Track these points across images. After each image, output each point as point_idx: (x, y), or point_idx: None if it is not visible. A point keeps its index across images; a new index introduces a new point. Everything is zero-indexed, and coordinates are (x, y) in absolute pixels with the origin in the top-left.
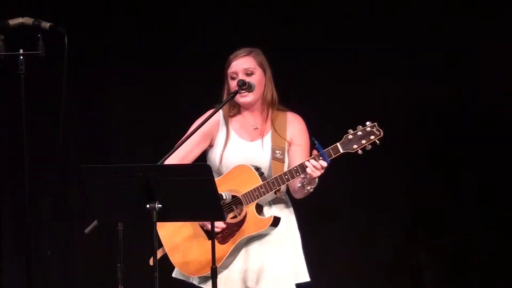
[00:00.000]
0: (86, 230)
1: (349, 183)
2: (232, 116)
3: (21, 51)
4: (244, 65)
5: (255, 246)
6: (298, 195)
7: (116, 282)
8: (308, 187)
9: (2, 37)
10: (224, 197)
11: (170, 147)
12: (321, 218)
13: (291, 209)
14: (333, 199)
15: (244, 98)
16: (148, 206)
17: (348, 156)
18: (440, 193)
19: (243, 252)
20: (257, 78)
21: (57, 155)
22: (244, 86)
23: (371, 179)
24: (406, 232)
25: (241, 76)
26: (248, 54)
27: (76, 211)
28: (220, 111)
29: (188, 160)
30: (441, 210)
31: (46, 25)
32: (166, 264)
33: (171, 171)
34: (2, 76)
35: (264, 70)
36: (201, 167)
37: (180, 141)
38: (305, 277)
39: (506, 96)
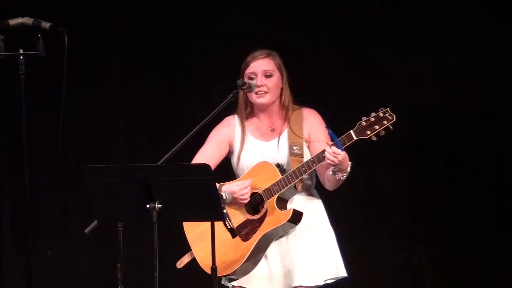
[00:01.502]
0: (86, 230)
1: (348, 182)
2: (248, 119)
3: (21, 51)
4: (263, 67)
5: (283, 242)
6: (330, 185)
7: (116, 282)
8: (341, 175)
9: (2, 37)
10: (224, 197)
11: (170, 147)
12: None
13: (320, 203)
14: (333, 198)
15: (261, 99)
16: (148, 206)
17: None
18: (440, 192)
19: (275, 248)
20: (275, 81)
21: (57, 155)
22: (244, 86)
23: (371, 178)
24: (406, 232)
25: (260, 77)
26: (267, 56)
27: (76, 211)
28: (236, 116)
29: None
30: (442, 209)
31: (46, 25)
32: (166, 264)
33: (171, 171)
34: (2, 76)
35: (281, 73)
36: (201, 167)
37: (179, 143)
38: (341, 272)
39: (507, 95)
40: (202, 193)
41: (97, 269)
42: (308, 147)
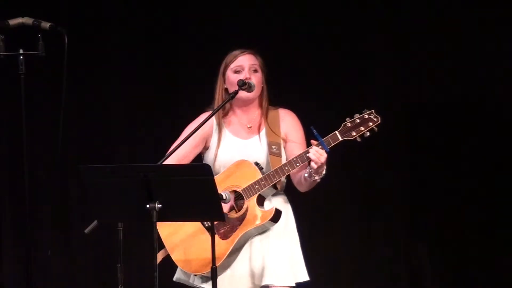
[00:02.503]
0: (86, 230)
1: (348, 181)
2: (225, 116)
3: (21, 51)
4: (251, 61)
5: (256, 242)
6: (303, 187)
7: (116, 282)
8: (316, 177)
9: (2, 37)
10: (224, 197)
11: (170, 147)
12: (321, 216)
13: (290, 206)
14: (333, 197)
15: (245, 93)
16: (148, 206)
17: (347, 153)
18: (440, 192)
19: (246, 248)
20: (259, 76)
21: (57, 155)
22: (244, 86)
23: (371, 177)
24: (406, 230)
25: (247, 70)
26: (253, 52)
27: (76, 211)
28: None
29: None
30: (441, 208)
31: (46, 25)
32: (166, 264)
33: (171, 171)
34: (2, 76)
35: (263, 72)
36: (201, 167)
37: (179, 143)
38: (304, 276)
39: (507, 95)
40: (202, 193)
41: (97, 269)
42: (284, 147)
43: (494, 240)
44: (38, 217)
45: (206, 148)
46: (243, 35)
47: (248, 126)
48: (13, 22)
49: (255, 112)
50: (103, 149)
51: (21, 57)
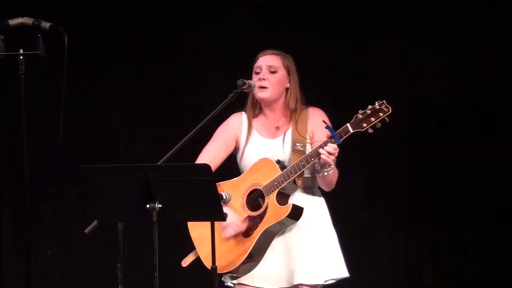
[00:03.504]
0: (86, 230)
1: (348, 180)
2: (255, 117)
3: (21, 51)
4: (269, 62)
5: (285, 239)
6: (322, 185)
7: (116, 282)
8: (324, 171)
9: (2, 37)
10: (224, 197)
11: (170, 147)
12: None
13: (322, 202)
14: (333, 197)
15: (261, 93)
16: (148, 206)
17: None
18: (440, 191)
19: (275, 245)
20: (278, 77)
21: (57, 155)
22: (244, 85)
23: (371, 177)
24: (406, 231)
25: (264, 71)
26: (276, 54)
27: (76, 211)
28: (243, 113)
29: (214, 164)
30: (442, 206)
31: (46, 25)
32: (167, 264)
33: (171, 171)
34: (2, 76)
35: (288, 73)
36: (201, 167)
37: (179, 143)
38: (332, 274)
39: (507, 95)
40: (202, 193)
41: (97, 269)
42: (311, 145)
43: (494, 240)
44: (38, 217)
45: (237, 149)
46: (244, 35)
47: (275, 126)
48: (13, 22)
49: (282, 113)
50: (103, 149)
51: (21, 57)
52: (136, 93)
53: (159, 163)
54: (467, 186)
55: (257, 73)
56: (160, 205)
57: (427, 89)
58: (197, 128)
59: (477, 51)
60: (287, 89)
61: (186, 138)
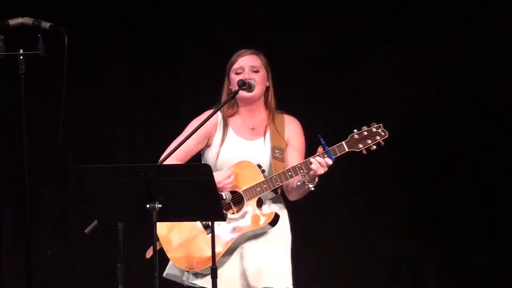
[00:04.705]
0: (86, 230)
1: (349, 181)
2: (230, 116)
3: (21, 51)
4: (250, 62)
5: (251, 245)
6: (293, 196)
7: (116, 282)
8: (310, 185)
9: (2, 37)
10: (224, 197)
11: (173, 142)
12: (320, 215)
13: (286, 211)
14: (333, 198)
15: (247, 93)
16: (148, 206)
17: (349, 154)
18: (440, 192)
19: (239, 250)
20: (260, 77)
21: (57, 155)
22: (244, 86)
23: (371, 177)
24: (406, 231)
25: (248, 72)
26: (254, 53)
27: (76, 211)
28: (219, 111)
29: (186, 160)
30: (442, 207)
31: (46, 25)
32: (166, 264)
33: (171, 171)
34: (2, 76)
35: (267, 72)
36: (201, 167)
37: (181, 141)
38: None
39: (508, 95)
40: (202, 193)
41: (97, 269)
42: (286, 155)
43: (494, 240)
44: (38, 217)
45: (207, 146)
46: (244, 35)
47: (251, 127)
48: (13, 22)
49: (260, 114)
50: (103, 149)
51: (21, 57)
52: (136, 93)
53: (159, 163)
54: (467, 187)
55: (238, 74)
56: (160, 205)
57: (427, 89)
58: (196, 128)
59: (477, 51)
60: (267, 87)
61: (185, 138)
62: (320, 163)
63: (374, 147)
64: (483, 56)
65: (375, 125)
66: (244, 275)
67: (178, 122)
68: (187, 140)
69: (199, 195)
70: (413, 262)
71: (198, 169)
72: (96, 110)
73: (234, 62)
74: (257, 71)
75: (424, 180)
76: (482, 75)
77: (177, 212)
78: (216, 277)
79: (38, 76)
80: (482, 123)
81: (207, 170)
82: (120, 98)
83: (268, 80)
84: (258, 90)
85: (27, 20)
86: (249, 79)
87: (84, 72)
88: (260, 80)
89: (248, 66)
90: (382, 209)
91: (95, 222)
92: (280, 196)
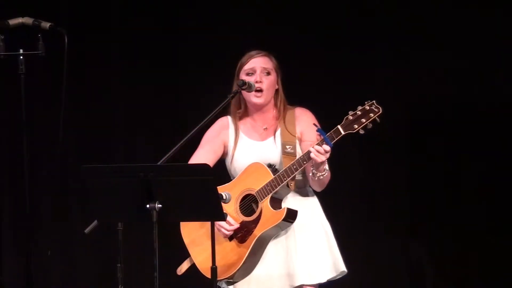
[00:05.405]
0: (86, 230)
1: (349, 180)
2: (241, 119)
3: (21, 51)
4: (263, 64)
5: (281, 241)
6: (315, 187)
7: (116, 282)
8: (318, 174)
9: (2, 37)
10: (224, 197)
11: (170, 147)
12: None
13: (316, 201)
14: (332, 197)
15: (257, 98)
16: (148, 206)
17: (347, 153)
18: (440, 192)
19: (272, 248)
20: (272, 79)
21: (57, 155)
22: (244, 86)
23: (371, 176)
24: (406, 231)
25: (259, 73)
26: (266, 55)
27: (76, 211)
28: (229, 117)
29: None
30: (442, 207)
31: (46, 25)
32: (167, 264)
33: (171, 171)
34: (2, 76)
35: (277, 74)
36: (201, 167)
37: (181, 141)
38: (341, 267)
39: (508, 95)
40: (202, 193)
41: (97, 269)
42: (300, 146)
43: (494, 240)
44: (38, 217)
45: (225, 153)
46: (244, 35)
47: (264, 128)
48: (13, 22)
49: (270, 114)
50: (103, 149)
51: (21, 57)
52: (136, 93)
53: (159, 163)
54: (467, 187)
55: (249, 74)
56: (160, 205)
57: (427, 89)
58: (197, 128)
59: (477, 51)
60: (276, 90)
61: (186, 138)
62: (318, 151)
63: (370, 125)
64: (483, 55)
65: (368, 102)
66: (279, 274)
67: (178, 122)
68: (203, 153)
69: (199, 195)
70: (413, 262)
71: (198, 169)
72: (96, 110)
73: (245, 63)
74: (268, 73)
75: (424, 180)
76: (483, 75)
77: (177, 212)
78: (216, 277)
79: (38, 76)
80: (483, 124)
81: (207, 170)
82: (120, 98)
83: (277, 83)
84: (266, 96)
85: (27, 20)
86: (260, 82)
87: (84, 72)
88: (269, 84)
89: (260, 67)
90: (382, 209)
91: (95, 222)
92: (306, 188)
